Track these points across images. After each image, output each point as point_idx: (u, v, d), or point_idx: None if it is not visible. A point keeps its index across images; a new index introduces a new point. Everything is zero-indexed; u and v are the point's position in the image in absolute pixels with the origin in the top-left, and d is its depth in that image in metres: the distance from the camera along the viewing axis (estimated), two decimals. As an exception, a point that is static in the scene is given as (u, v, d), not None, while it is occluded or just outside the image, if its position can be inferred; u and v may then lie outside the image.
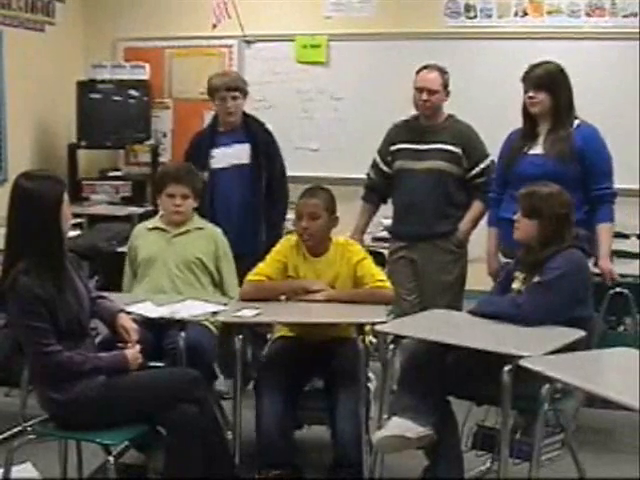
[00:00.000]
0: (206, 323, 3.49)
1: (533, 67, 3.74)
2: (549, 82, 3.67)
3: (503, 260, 3.77)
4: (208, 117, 4.99)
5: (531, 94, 3.69)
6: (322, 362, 3.35)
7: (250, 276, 3.49)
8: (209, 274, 3.78)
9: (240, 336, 3.25)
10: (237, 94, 4.34)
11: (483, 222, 4.14)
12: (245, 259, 3.97)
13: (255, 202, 4.34)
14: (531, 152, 3.72)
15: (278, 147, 4.46)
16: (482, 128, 4.25)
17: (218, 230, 3.90)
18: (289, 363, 3.35)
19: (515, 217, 3.26)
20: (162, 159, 6.78)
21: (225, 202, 4.33)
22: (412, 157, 4.20)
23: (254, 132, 4.41)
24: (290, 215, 4.03)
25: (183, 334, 3.29)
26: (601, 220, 3.64)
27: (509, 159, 3.78)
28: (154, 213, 3.98)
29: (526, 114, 3.75)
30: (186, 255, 3.75)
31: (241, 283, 3.60)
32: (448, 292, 4.18)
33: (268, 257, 3.53)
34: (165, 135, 6.98)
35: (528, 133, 3.75)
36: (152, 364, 3.27)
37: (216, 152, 4.39)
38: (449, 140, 4.15)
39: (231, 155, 4.38)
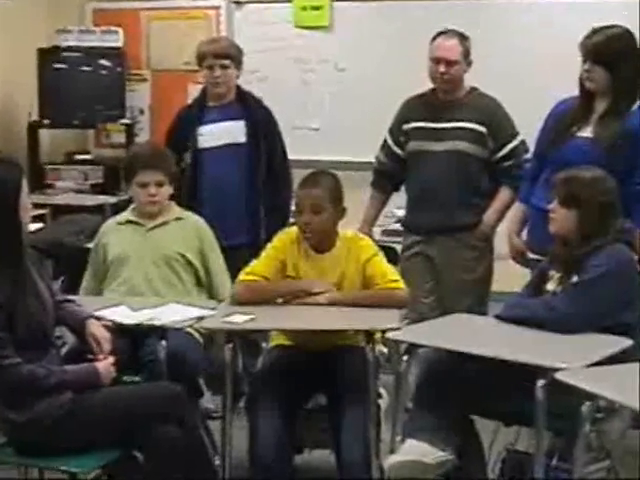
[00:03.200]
0: (190, 330, 3.48)
1: (592, 33, 3.60)
2: (608, 54, 3.54)
3: (533, 257, 3.76)
4: (193, 91, 4.98)
5: (586, 67, 3.59)
6: (325, 375, 3.35)
7: (242, 276, 3.48)
8: (193, 272, 3.78)
9: (230, 345, 3.24)
10: (227, 62, 4.35)
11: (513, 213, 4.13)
12: (240, 252, 3.97)
13: (252, 187, 4.35)
14: (580, 134, 3.64)
15: (279, 127, 4.47)
16: (510, 103, 4.24)
17: (200, 219, 3.90)
18: (287, 376, 3.34)
19: (550, 206, 3.24)
20: (139, 140, 6.76)
21: (216, 187, 4.34)
22: (429, 137, 4.20)
23: (250, 108, 4.42)
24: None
25: (164, 343, 3.29)
26: None
27: (552, 138, 3.71)
28: (130, 203, 3.97)
29: (582, 88, 3.66)
30: (165, 250, 3.75)
31: (235, 279, 3.59)
32: (471, 293, 4.19)
33: (264, 254, 3.53)
34: (142, 112, 6.96)
35: (581, 110, 3.66)
36: (127, 378, 3.27)
37: (205, 129, 4.39)
38: (472, 117, 4.15)
39: (224, 133, 4.39)
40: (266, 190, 4.35)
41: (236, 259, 3.88)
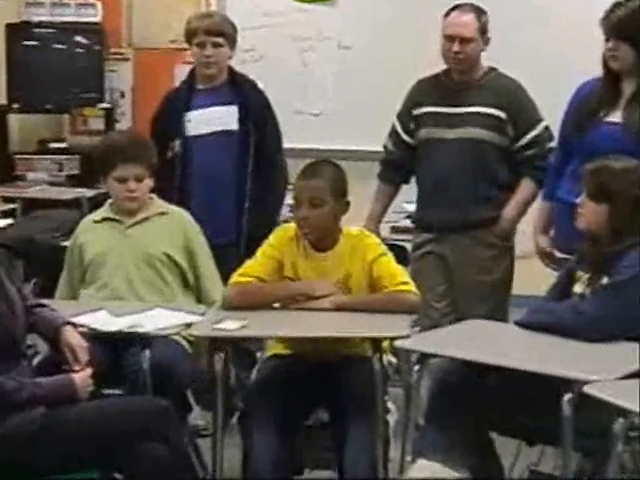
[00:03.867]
0: (177, 338, 3.48)
1: (614, 7, 3.62)
2: (634, 29, 3.55)
3: (559, 256, 3.77)
4: (180, 72, 4.97)
5: (610, 45, 3.60)
6: (328, 388, 3.35)
7: (235, 277, 3.48)
8: (179, 273, 3.78)
9: (222, 355, 3.23)
10: (220, 40, 4.35)
11: (535, 206, 4.13)
12: (231, 251, 3.97)
13: (243, 179, 4.35)
14: (608, 119, 3.66)
15: (274, 113, 4.47)
16: (532, 86, 4.23)
17: (186, 214, 3.90)
18: (285, 389, 3.34)
19: (578, 200, 3.25)
20: (120, 126, 6.76)
21: (205, 179, 4.35)
22: (442, 123, 4.21)
23: (244, 92, 4.42)
24: (289, 199, 4.03)
25: (147, 353, 3.28)
26: None
27: (577, 124, 3.73)
28: (109, 196, 3.97)
29: (606, 68, 3.68)
30: (147, 249, 3.75)
31: (224, 282, 3.58)
32: (489, 297, 4.19)
33: (259, 252, 3.52)
34: (123, 95, 6.96)
35: (608, 92, 3.67)
36: (107, 392, 3.27)
37: (194, 115, 4.40)
38: (490, 101, 4.15)
39: (214, 119, 4.39)
40: (256, 183, 4.35)
41: (227, 258, 3.89)
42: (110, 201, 3.89)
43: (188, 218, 3.88)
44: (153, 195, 3.88)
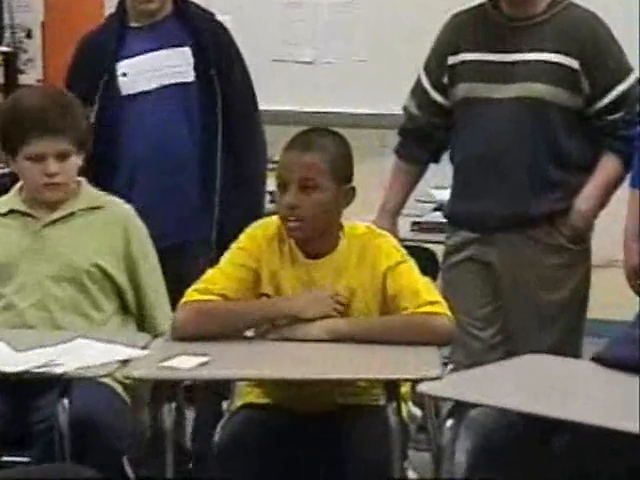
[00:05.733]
0: (108, 381, 3.50)
1: None
2: None
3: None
4: (109, 2, 4.99)
5: None
6: (322, 452, 3.37)
7: (191, 293, 3.50)
8: (116, 293, 3.80)
9: (173, 404, 3.26)
10: None
11: (621, 193, 4.16)
12: (183, 255, 3.98)
13: (209, 151, 4.39)
14: None
15: (241, 55, 4.49)
16: (613, 27, 4.27)
17: (128, 208, 3.92)
18: (262, 453, 3.36)
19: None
20: (26, 79, 6.77)
21: (150, 155, 4.37)
22: (489, 77, 4.25)
23: (198, 26, 4.45)
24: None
25: (66, 402, 3.29)
26: None
27: None
28: (13, 180, 3.97)
29: None
30: (71, 258, 3.77)
31: (175, 302, 3.61)
32: (555, 323, 4.23)
33: (225, 259, 3.55)
34: (30, 35, 6.98)
35: None
36: (8, 459, 3.29)
37: (129, 65, 4.42)
38: (557, 45, 4.19)
39: (160, 69, 4.42)
40: (228, 156, 4.39)
41: (182, 265, 3.90)
42: (20, 185, 3.89)
43: (131, 215, 3.90)
44: (82, 179, 3.89)
